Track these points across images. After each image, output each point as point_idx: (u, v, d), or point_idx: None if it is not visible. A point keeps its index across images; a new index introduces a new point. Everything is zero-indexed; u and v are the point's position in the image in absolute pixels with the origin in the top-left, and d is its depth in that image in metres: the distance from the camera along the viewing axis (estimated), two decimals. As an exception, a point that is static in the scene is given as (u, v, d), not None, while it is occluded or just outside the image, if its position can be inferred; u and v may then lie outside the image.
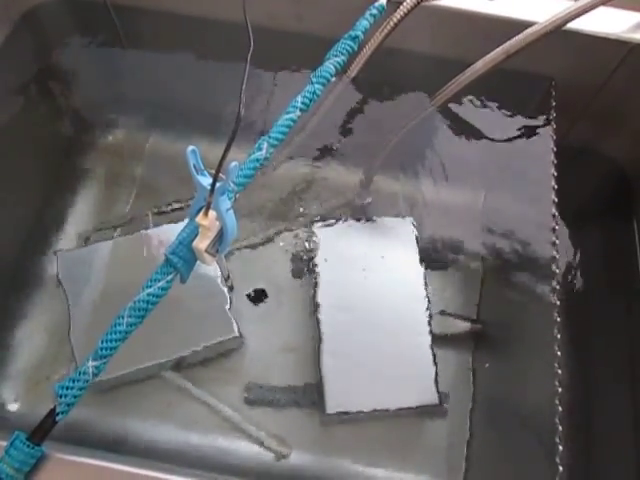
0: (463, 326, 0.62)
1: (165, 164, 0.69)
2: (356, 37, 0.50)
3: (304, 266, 0.64)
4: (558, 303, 0.48)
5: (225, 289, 0.58)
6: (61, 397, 0.37)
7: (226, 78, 0.56)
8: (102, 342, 0.38)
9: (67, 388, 0.37)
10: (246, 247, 0.65)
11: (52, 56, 0.64)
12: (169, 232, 0.60)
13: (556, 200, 0.51)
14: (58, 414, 0.37)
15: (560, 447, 0.42)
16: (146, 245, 0.60)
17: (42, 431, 0.38)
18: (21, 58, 0.60)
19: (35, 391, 0.58)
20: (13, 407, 0.57)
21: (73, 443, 0.42)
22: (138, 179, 0.69)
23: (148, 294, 0.39)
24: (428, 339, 0.57)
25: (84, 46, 0.65)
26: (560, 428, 0.43)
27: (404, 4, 0.53)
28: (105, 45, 0.65)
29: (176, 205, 0.66)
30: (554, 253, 0.50)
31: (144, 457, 0.54)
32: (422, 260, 0.60)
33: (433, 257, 0.64)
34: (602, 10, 0.52)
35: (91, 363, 0.37)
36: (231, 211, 0.39)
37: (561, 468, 0.41)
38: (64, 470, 0.38)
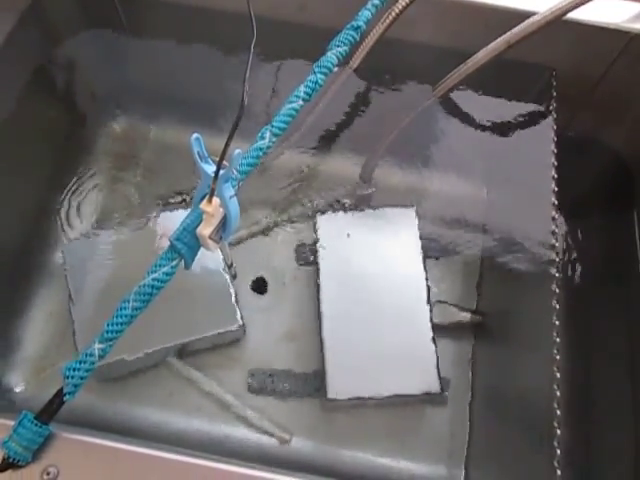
0: (463, 316, 0.62)
1: (170, 153, 0.70)
2: (358, 27, 0.50)
3: (307, 255, 0.64)
4: (557, 291, 0.48)
5: (228, 277, 0.59)
6: (68, 378, 0.38)
7: (229, 68, 0.56)
8: (108, 325, 0.39)
9: (74, 369, 0.38)
10: (249, 236, 0.65)
11: (57, 46, 0.65)
12: (174, 219, 0.61)
13: (556, 189, 0.52)
14: (66, 394, 0.38)
15: (558, 431, 0.43)
16: (152, 234, 0.60)
17: (49, 411, 0.38)
18: (27, 47, 0.60)
19: (41, 377, 0.59)
20: (19, 392, 0.58)
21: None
22: (143, 168, 0.70)
23: (153, 279, 0.40)
24: (429, 328, 0.57)
25: (89, 36, 0.66)
26: (558, 413, 0.43)
27: (406, -5, 0.53)
28: (110, 35, 0.66)
29: (184, 196, 0.67)
30: (553, 241, 0.50)
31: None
32: (423, 250, 0.61)
33: (434, 247, 0.65)
34: (602, 0, 0.53)
35: (97, 345, 0.38)
36: (234, 198, 0.40)
37: (559, 452, 0.42)
38: (71, 449, 0.39)
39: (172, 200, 0.67)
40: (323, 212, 0.63)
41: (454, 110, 0.63)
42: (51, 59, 0.65)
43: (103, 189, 0.68)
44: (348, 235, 0.61)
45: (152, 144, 0.71)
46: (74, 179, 0.68)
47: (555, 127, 0.56)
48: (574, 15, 0.52)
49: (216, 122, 0.62)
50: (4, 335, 0.60)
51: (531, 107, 0.60)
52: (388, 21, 0.54)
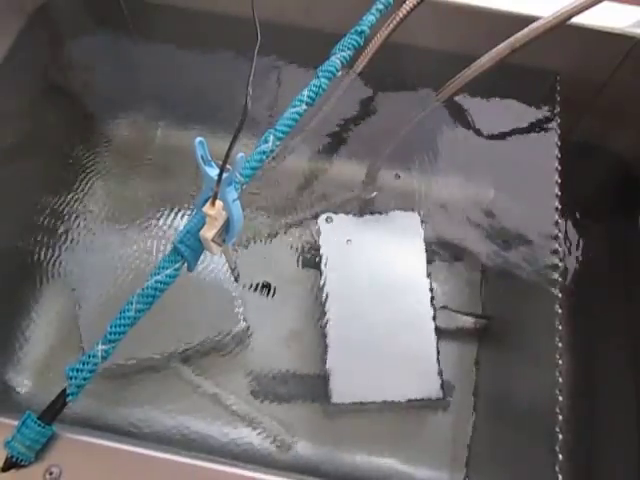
0: (467, 320, 0.62)
1: (176, 155, 0.70)
2: (362, 32, 0.51)
3: (310, 258, 0.64)
4: (560, 296, 0.48)
5: (231, 279, 0.59)
6: (71, 379, 0.38)
7: (234, 72, 0.56)
8: (111, 327, 0.39)
9: (77, 370, 0.38)
10: (253, 239, 0.65)
11: (64, 48, 0.65)
12: (179, 222, 0.61)
13: (560, 194, 0.52)
14: (68, 395, 0.38)
15: (560, 436, 0.43)
16: (158, 236, 0.61)
17: (53, 411, 0.39)
18: (35, 49, 0.61)
19: (44, 378, 0.59)
20: (23, 393, 0.59)
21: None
22: (149, 171, 0.70)
23: (156, 281, 0.40)
24: (432, 332, 0.57)
25: (96, 39, 0.66)
26: (560, 417, 0.43)
27: (410, -1, 0.53)
28: (116, 38, 0.66)
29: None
30: (557, 246, 0.50)
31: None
32: (427, 254, 0.61)
33: (438, 251, 0.65)
34: (607, 5, 0.53)
35: (100, 347, 0.39)
36: (237, 202, 0.40)
37: (561, 456, 0.42)
38: (73, 449, 0.39)
39: (178, 202, 0.67)
40: (326, 216, 0.63)
41: (458, 114, 0.63)
42: (58, 61, 0.65)
43: (109, 191, 0.69)
44: (351, 239, 0.61)
45: (158, 146, 0.71)
46: (80, 180, 0.68)
47: (559, 132, 0.56)
48: (578, 20, 0.52)
49: (220, 125, 0.62)
50: (8, 335, 0.61)
51: (535, 112, 0.60)
52: (392, 26, 0.54)
